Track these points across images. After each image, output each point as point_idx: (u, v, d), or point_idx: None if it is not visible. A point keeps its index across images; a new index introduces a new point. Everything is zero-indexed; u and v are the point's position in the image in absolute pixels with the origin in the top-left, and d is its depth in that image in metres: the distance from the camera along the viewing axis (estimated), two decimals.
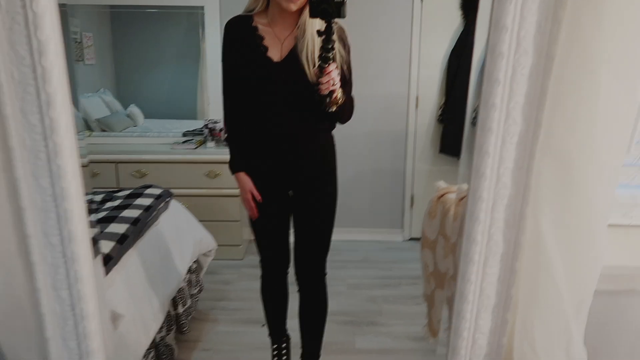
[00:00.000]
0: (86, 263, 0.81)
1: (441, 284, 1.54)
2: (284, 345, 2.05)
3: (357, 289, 2.94)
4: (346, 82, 1.60)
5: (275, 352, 2.05)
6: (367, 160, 3.59)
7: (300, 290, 1.87)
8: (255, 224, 1.81)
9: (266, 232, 1.82)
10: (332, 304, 1.93)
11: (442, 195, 1.57)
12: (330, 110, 1.52)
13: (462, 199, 1.41)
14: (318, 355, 1.97)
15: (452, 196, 1.53)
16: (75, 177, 0.79)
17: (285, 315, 2.03)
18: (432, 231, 1.58)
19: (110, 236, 1.85)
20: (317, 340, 1.95)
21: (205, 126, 3.43)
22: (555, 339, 0.82)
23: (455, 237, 1.44)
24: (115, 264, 1.74)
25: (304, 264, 1.83)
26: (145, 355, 1.87)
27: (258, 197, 1.70)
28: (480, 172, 0.77)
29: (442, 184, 1.62)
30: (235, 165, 1.74)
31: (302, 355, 1.97)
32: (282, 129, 1.60)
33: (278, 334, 2.05)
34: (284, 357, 2.04)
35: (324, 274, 1.85)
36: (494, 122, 0.74)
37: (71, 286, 0.81)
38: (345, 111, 1.62)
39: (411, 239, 3.73)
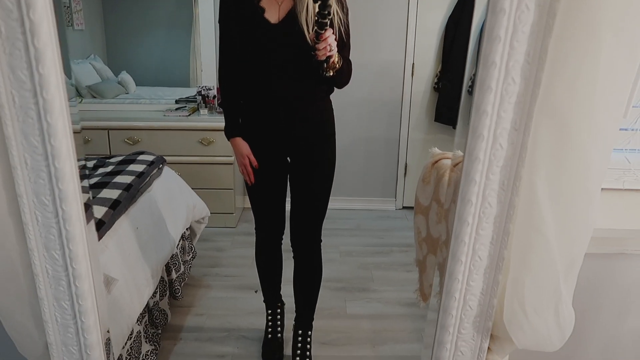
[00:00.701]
0: (78, 223, 0.80)
1: (433, 249, 1.55)
2: (278, 311, 2.08)
3: (350, 256, 2.97)
4: (344, 45, 1.58)
5: (269, 318, 2.08)
6: (361, 129, 3.57)
7: (295, 257, 1.88)
8: (251, 190, 1.79)
9: (262, 198, 1.81)
10: (325, 271, 1.95)
11: (436, 161, 1.56)
12: (327, 75, 1.50)
13: (456, 164, 1.41)
14: (311, 321, 2.00)
15: (446, 162, 1.52)
16: (66, 136, 0.77)
17: (279, 282, 2.04)
18: (425, 197, 1.58)
19: (102, 201, 1.84)
20: (311, 306, 1.97)
21: (198, 93, 3.38)
22: (544, 299, 0.83)
23: (448, 202, 1.44)
24: (107, 229, 1.73)
25: (299, 231, 1.83)
26: (139, 320, 1.89)
27: (255, 163, 1.68)
28: (478, 132, 0.77)
29: (436, 150, 1.61)
30: (231, 131, 1.71)
31: (296, 320, 2.00)
32: (280, 93, 1.58)
33: (272, 300, 2.06)
34: (278, 322, 2.07)
35: (319, 242, 1.85)
36: (493, 81, 0.73)
37: (63, 246, 0.81)
38: (344, 75, 1.60)
39: (404, 207, 3.76)
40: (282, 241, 1.96)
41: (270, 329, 2.08)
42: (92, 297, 0.86)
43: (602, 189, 0.84)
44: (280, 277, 2.04)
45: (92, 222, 1.59)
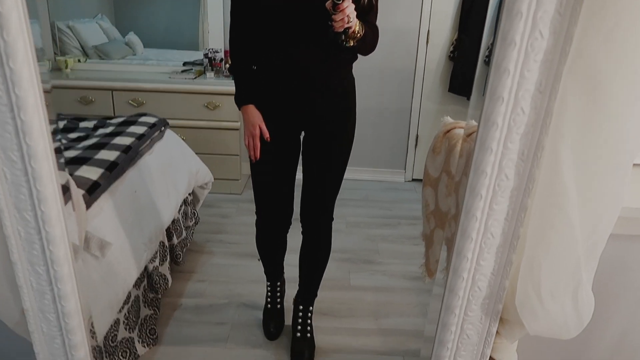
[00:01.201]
0: (50, 183, 0.73)
1: (441, 223, 1.48)
2: (278, 284, 2.02)
3: (356, 227, 2.91)
4: (372, 8, 1.45)
5: (269, 289, 2.02)
6: (372, 98, 3.45)
7: (304, 232, 1.79)
8: (256, 169, 1.62)
9: (269, 180, 1.64)
10: None
11: (448, 131, 1.46)
12: (347, 45, 1.38)
13: (470, 134, 1.31)
14: (314, 297, 1.94)
15: (459, 132, 1.42)
16: (34, 86, 0.69)
17: (282, 261, 1.97)
18: (435, 168, 1.50)
19: (99, 163, 1.78)
20: (316, 282, 1.91)
21: (205, 56, 3.27)
22: (562, 283, 0.76)
23: (459, 174, 1.36)
24: (103, 191, 1.67)
25: (310, 208, 1.71)
26: (137, 284, 1.85)
27: (266, 134, 1.52)
28: (497, 94, 0.67)
29: (448, 119, 1.51)
30: (242, 98, 1.55)
31: (298, 293, 1.93)
32: (297, 60, 1.43)
33: (274, 275, 2.00)
34: (278, 295, 2.02)
35: (331, 219, 1.76)
36: (517, 34, 0.63)
37: (35, 207, 0.74)
38: (367, 44, 1.45)
39: (413, 179, 3.67)
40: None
41: (269, 299, 2.02)
42: (68, 264, 0.79)
43: (633, 164, 0.75)
44: (283, 257, 1.95)
45: (76, 189, 1.53)
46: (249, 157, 1.59)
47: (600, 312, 0.84)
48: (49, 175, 0.72)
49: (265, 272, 1.99)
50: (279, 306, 2.01)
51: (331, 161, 1.63)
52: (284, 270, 2.03)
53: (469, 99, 3.29)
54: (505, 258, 0.77)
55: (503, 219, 0.74)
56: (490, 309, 0.83)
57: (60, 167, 0.74)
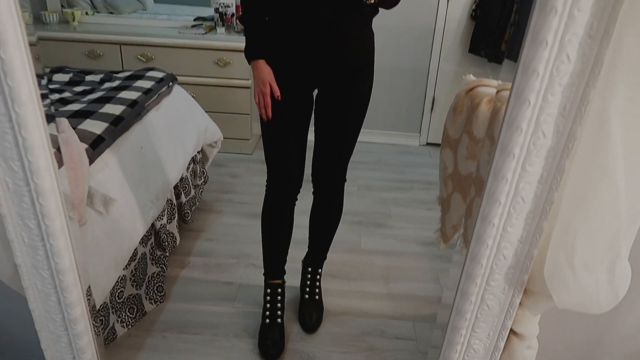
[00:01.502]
0: (37, 131, 0.67)
1: (460, 187, 1.40)
2: (279, 290, 1.76)
3: (368, 190, 2.85)
4: None
5: (268, 297, 1.76)
6: (389, 56, 3.30)
7: (315, 194, 1.72)
8: (267, 129, 1.51)
9: (281, 139, 1.52)
10: None
11: (471, 89, 1.37)
12: (368, 3, 1.27)
13: (499, 91, 1.22)
14: (324, 259, 1.90)
15: (483, 90, 1.33)
16: (12, 20, 0.61)
17: (285, 252, 1.75)
18: (455, 129, 1.41)
19: (104, 117, 1.71)
20: (326, 245, 1.85)
21: (216, 10, 3.14)
22: (599, 254, 0.69)
23: (482, 136, 1.27)
24: (107, 146, 1.61)
25: (323, 170, 1.64)
26: (144, 242, 1.82)
27: (277, 92, 1.41)
28: (539, 38, 0.58)
29: (471, 77, 1.41)
30: (253, 51, 1.42)
31: (308, 254, 1.89)
32: (315, 12, 1.31)
33: (274, 272, 1.76)
34: (279, 305, 1.75)
35: (344, 181, 1.69)
36: None
37: (22, 157, 0.68)
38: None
39: (428, 144, 3.57)
40: (297, 202, 1.67)
41: (268, 312, 1.74)
42: (60, 218, 0.74)
43: None
44: (288, 246, 1.74)
45: (79, 142, 1.47)
46: (260, 115, 1.49)
47: (634, 284, 0.77)
48: (34, 121, 0.65)
49: (265, 270, 1.77)
50: (279, 320, 1.73)
51: (347, 121, 1.53)
52: (285, 280, 1.82)
53: (490, 60, 3.15)
54: (536, 225, 0.70)
55: (536, 182, 0.67)
56: (515, 279, 0.76)
57: (50, 119, 0.68)
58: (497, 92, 1.12)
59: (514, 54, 0.74)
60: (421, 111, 3.48)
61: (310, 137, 1.60)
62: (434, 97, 3.43)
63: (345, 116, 1.52)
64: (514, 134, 0.63)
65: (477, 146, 1.27)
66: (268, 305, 1.75)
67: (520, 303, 0.79)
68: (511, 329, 0.85)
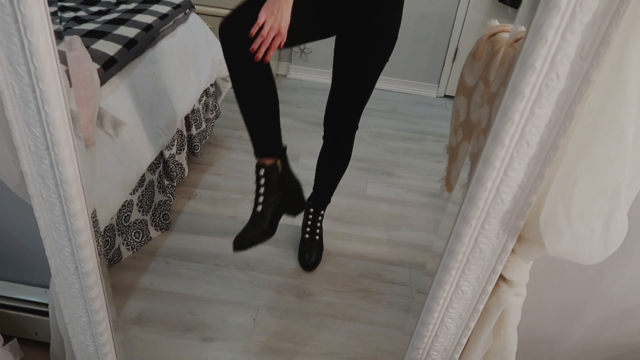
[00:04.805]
0: (43, 34, 0.66)
1: (469, 136, 1.38)
2: (273, 170, 1.40)
3: (379, 138, 2.83)
4: None
5: (262, 179, 1.41)
6: (413, 1, 3.18)
7: (325, 137, 1.71)
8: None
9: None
10: None
11: (493, 34, 1.32)
12: None
13: (517, 40, 1.17)
14: (328, 202, 1.91)
15: (505, 35, 1.28)
16: None
17: (274, 121, 1.37)
18: (472, 76, 1.37)
19: (117, 39, 1.69)
20: (332, 187, 1.86)
21: None
22: (597, 205, 0.68)
23: (498, 84, 1.24)
24: (120, 69, 1.60)
25: (337, 116, 1.62)
26: (152, 169, 1.85)
27: (283, 41, 1.20)
28: None
29: (495, 22, 1.35)
30: None
31: (312, 195, 1.90)
32: None
33: (267, 148, 1.39)
34: (271, 189, 1.41)
35: (356, 128, 1.67)
36: None
37: (27, 62, 0.68)
38: None
39: (446, 96, 3.49)
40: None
41: (262, 197, 1.42)
42: (65, 128, 0.75)
43: None
44: (275, 114, 1.36)
45: (91, 61, 1.45)
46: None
47: (628, 241, 0.77)
48: (40, 23, 0.64)
49: (252, 141, 1.37)
50: (268, 210, 1.43)
51: (370, 65, 1.48)
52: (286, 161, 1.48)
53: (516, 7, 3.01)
54: (538, 171, 0.69)
55: (544, 126, 0.65)
56: (510, 225, 0.77)
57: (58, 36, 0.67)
58: (515, 40, 1.08)
59: None
60: (442, 61, 3.38)
61: (327, 80, 1.57)
62: (457, 48, 3.32)
63: (367, 57, 1.48)
64: (527, 72, 0.61)
65: (491, 94, 1.24)
66: (261, 190, 1.42)
67: (512, 250, 0.80)
68: (501, 275, 0.86)
